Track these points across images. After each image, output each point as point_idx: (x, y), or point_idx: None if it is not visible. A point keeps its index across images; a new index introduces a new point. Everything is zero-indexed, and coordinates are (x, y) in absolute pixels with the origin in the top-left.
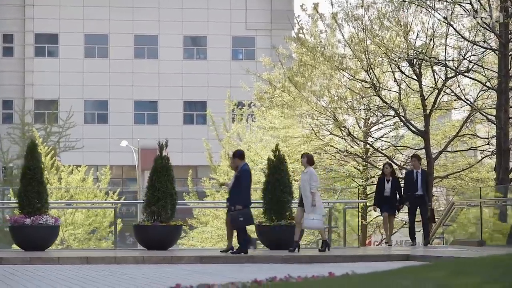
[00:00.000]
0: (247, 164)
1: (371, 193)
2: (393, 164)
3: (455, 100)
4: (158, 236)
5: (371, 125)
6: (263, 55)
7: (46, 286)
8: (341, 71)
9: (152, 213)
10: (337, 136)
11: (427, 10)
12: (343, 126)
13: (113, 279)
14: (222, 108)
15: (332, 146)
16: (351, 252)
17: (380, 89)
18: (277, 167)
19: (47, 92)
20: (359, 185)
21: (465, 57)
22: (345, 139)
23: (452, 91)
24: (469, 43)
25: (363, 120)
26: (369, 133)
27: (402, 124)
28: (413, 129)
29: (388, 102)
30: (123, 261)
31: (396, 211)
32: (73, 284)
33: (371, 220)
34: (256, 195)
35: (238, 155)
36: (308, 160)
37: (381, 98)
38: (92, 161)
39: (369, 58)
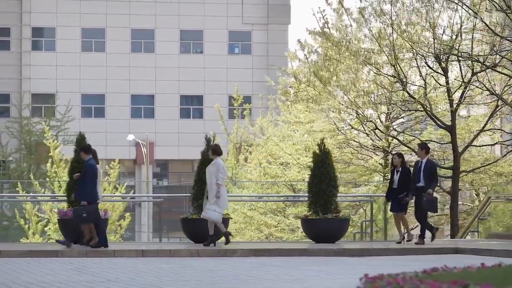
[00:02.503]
0: (93, 159)
1: None
2: (403, 154)
3: (484, 94)
4: (206, 229)
5: (393, 119)
6: (289, 48)
7: (134, 276)
8: (367, 65)
9: (199, 206)
10: (358, 130)
11: (456, 3)
12: (369, 121)
13: (193, 272)
14: (218, 102)
15: (355, 141)
16: (399, 245)
17: (407, 83)
18: (322, 161)
19: (44, 86)
20: (385, 178)
21: (497, 52)
22: (368, 134)
23: (483, 84)
24: (496, 37)
25: (385, 115)
26: (391, 127)
27: (425, 118)
28: (440, 123)
29: (415, 97)
30: (177, 254)
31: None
32: (160, 276)
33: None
34: (273, 189)
35: (84, 149)
36: (214, 152)
37: (408, 93)
38: None
39: (395, 53)
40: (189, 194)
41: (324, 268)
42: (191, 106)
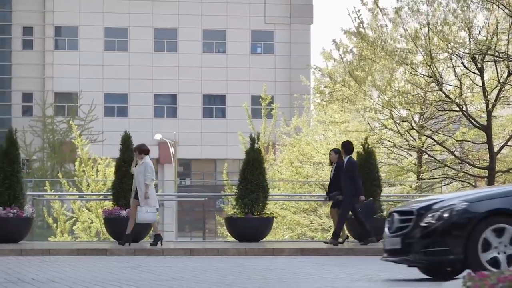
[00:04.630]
0: None
1: (426, 187)
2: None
3: None
4: (251, 228)
5: (427, 119)
6: (323, 47)
7: (197, 274)
8: (403, 65)
9: (244, 205)
10: (392, 130)
11: (492, 3)
12: (405, 121)
13: (253, 270)
14: (240, 101)
15: (389, 141)
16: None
17: (443, 83)
18: (366, 161)
19: (67, 85)
20: (419, 178)
21: None
22: (401, 134)
23: None
24: None
25: (419, 115)
26: (426, 127)
27: (458, 118)
28: (475, 123)
29: (451, 98)
30: (225, 253)
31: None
32: (223, 274)
33: None
34: (304, 188)
35: None
36: (141, 151)
37: (444, 93)
38: (111, 154)
39: (431, 53)
40: (233, 193)
41: (382, 267)
42: (214, 105)
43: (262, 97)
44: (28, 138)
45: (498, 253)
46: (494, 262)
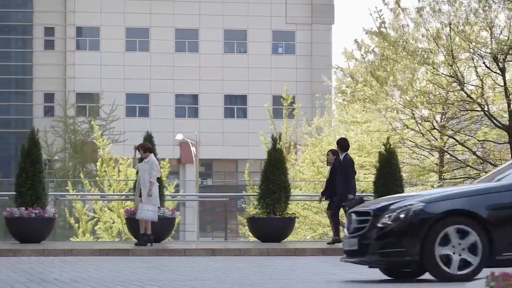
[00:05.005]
0: None
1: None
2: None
3: None
4: (273, 228)
5: (448, 119)
6: (344, 47)
7: (219, 275)
8: (424, 65)
9: (266, 205)
10: (414, 130)
11: None
12: (427, 120)
13: (275, 270)
14: (262, 102)
15: (411, 141)
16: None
17: (464, 83)
18: (388, 161)
19: (89, 86)
20: (440, 178)
21: None
22: (423, 134)
23: None
24: None
25: (440, 115)
26: (448, 127)
27: (480, 118)
28: (497, 123)
29: (473, 97)
30: (247, 253)
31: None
32: (245, 274)
33: None
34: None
35: None
36: (146, 149)
37: (465, 93)
38: (133, 154)
39: (453, 53)
40: (255, 193)
41: None
42: (235, 105)
43: (284, 97)
44: (49, 139)
45: (453, 253)
46: (447, 260)
